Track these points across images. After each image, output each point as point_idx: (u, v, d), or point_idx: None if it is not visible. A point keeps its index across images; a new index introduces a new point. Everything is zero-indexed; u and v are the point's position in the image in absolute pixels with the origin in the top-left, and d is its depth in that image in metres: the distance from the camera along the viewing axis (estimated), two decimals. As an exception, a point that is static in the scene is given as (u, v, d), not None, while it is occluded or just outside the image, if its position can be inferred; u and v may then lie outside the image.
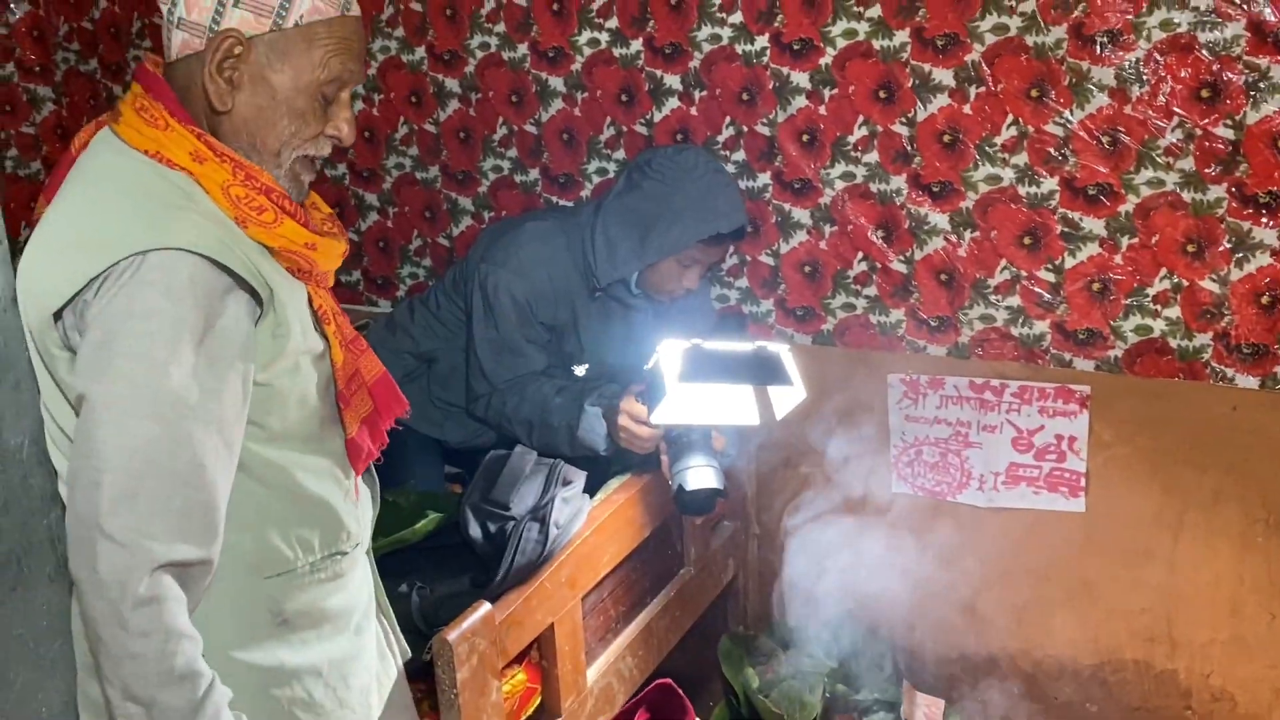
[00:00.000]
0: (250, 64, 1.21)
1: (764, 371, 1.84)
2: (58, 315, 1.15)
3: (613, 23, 2.49)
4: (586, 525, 2.00)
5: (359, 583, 1.40)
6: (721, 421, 1.91)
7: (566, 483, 2.01)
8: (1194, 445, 2.21)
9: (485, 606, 1.71)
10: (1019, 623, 2.45)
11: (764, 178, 2.44)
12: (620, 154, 2.59)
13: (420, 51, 2.71)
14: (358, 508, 1.40)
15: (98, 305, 1.12)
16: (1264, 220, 2.05)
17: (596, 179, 2.64)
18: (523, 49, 2.60)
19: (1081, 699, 2.43)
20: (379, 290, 3.00)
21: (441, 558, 1.90)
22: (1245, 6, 1.95)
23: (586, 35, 2.53)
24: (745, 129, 2.43)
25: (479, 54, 2.65)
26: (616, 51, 2.51)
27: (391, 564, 1.76)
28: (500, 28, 2.60)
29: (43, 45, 3.03)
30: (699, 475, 1.86)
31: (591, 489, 2.08)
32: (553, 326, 2.19)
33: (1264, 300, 2.09)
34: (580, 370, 2.27)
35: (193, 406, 1.11)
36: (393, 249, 2.94)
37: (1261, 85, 1.98)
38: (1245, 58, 1.98)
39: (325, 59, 1.23)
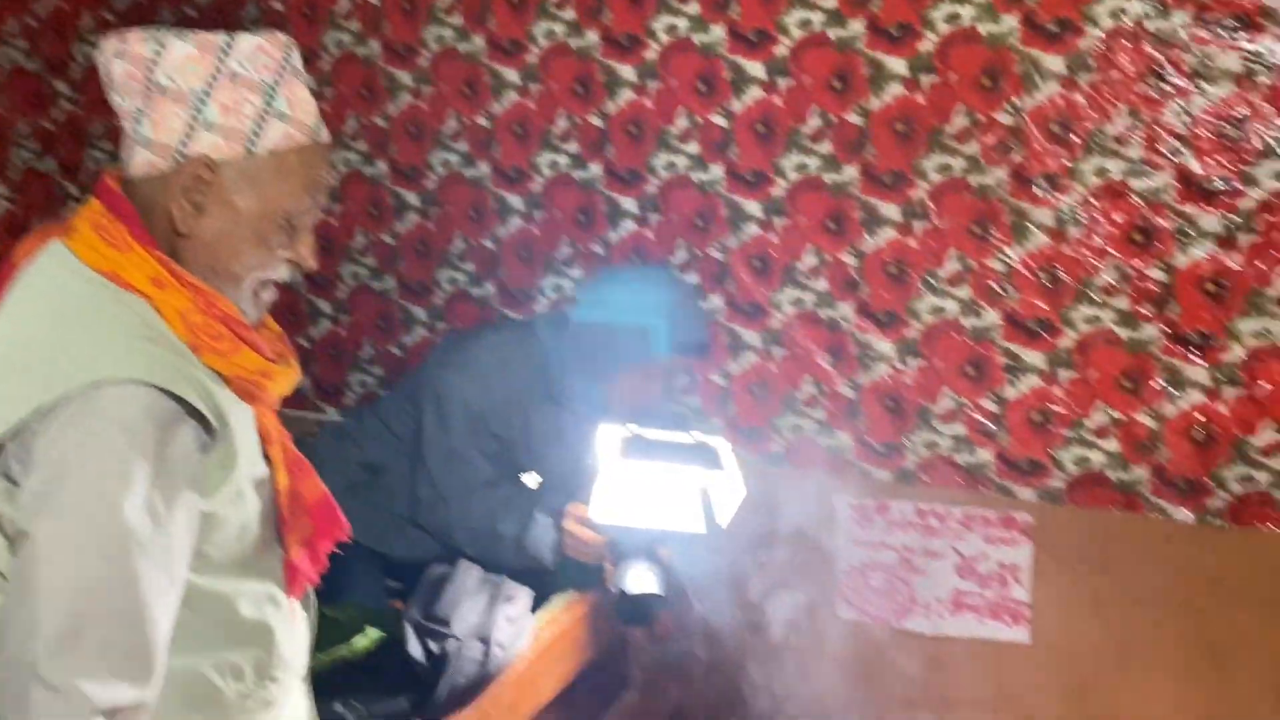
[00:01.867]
0: (217, 189, 1.19)
1: (703, 458, 1.84)
2: None
3: (573, 146, 2.56)
4: (530, 646, 1.95)
5: (292, 709, 1.34)
6: (666, 527, 1.89)
7: (510, 600, 1.97)
8: (1133, 577, 2.24)
9: (423, 729, 1.65)
10: (963, 754, 2.42)
11: (716, 300, 2.49)
12: (576, 271, 2.63)
13: (382, 165, 2.76)
14: (294, 632, 1.35)
15: (47, 437, 1.07)
16: (1194, 359, 2.13)
17: (552, 294, 2.67)
18: (484, 166, 2.65)
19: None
20: (328, 397, 2.97)
21: (380, 676, 1.84)
22: (1174, 158, 2.06)
23: (547, 157, 2.59)
24: (699, 253, 2.49)
25: (440, 169, 2.70)
26: (576, 174, 2.57)
27: (328, 682, 1.70)
28: (463, 145, 2.66)
29: (2, 142, 3.03)
30: (640, 579, 1.82)
31: (535, 606, 2.05)
32: (504, 437, 2.19)
33: (1196, 436, 2.15)
34: (530, 481, 2.26)
35: (142, 543, 1.06)
36: (344, 357, 2.93)
37: (1190, 232, 2.08)
38: (1175, 205, 2.08)
39: (294, 187, 1.22)
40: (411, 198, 2.75)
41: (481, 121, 2.63)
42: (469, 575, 1.98)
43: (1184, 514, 2.19)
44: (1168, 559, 2.21)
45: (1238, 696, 2.20)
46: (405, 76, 2.67)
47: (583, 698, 2.17)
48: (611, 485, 1.81)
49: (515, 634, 1.91)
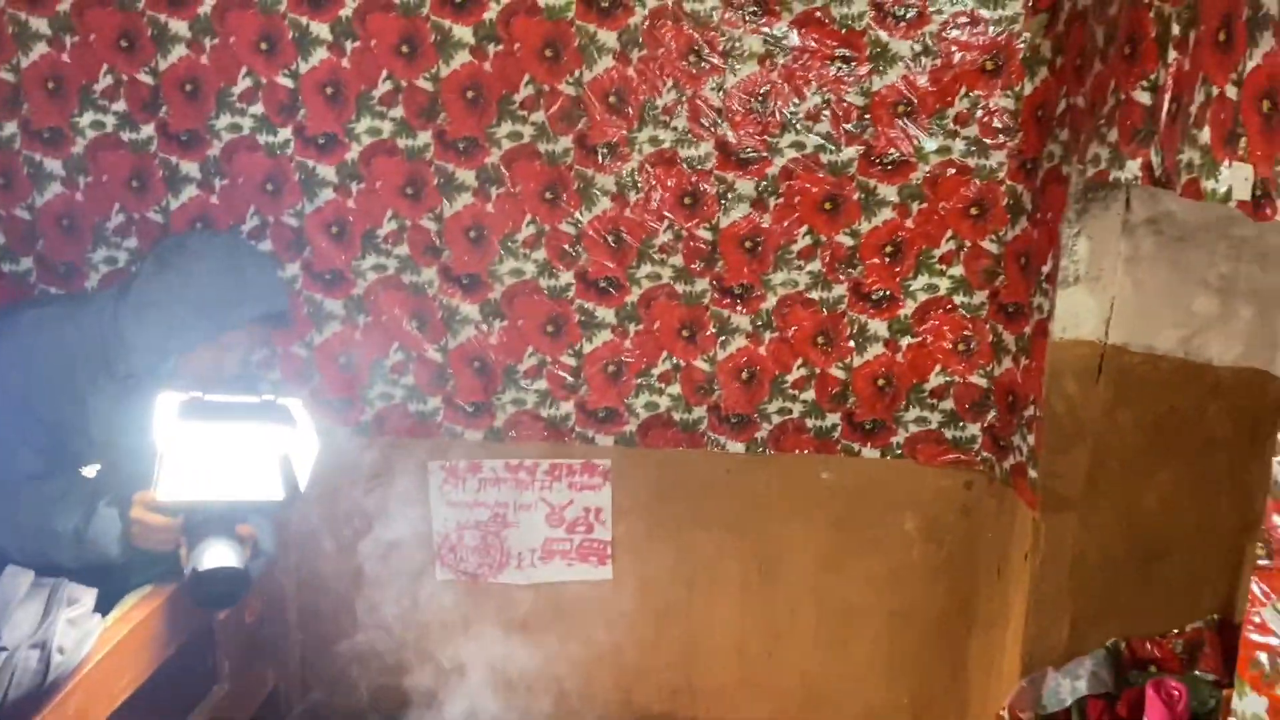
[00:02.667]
0: None
1: (271, 416, 1.77)
2: None
3: (120, 105, 2.34)
4: (98, 648, 1.79)
5: None
6: (241, 497, 1.79)
7: (72, 602, 1.79)
8: (699, 507, 2.49)
9: (-31, 754, 1.46)
10: (560, 694, 2.56)
11: (293, 268, 2.41)
12: (132, 241, 2.42)
13: (-125, 121, 2.35)
14: None
15: None
16: (739, 308, 2.40)
17: (105, 268, 2.44)
18: (10, 126, 2.35)
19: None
20: None
21: (-92, 707, 1.60)
22: (714, 129, 2.30)
23: (89, 117, 2.35)
24: (271, 220, 2.39)
25: (-46, 129, 2.35)
26: (125, 136, 2.36)
27: None
28: (-19, 101, 2.34)
29: None
30: (215, 555, 1.70)
31: (105, 607, 1.87)
32: (55, 424, 1.96)
33: (744, 377, 2.43)
34: (90, 471, 2.05)
35: None
36: None
37: (729, 195, 2.33)
38: (716, 171, 2.32)
39: None
40: (-83, 161, 2.37)
41: (4, 75, 2.33)
42: (18, 581, 1.76)
43: (736, 446, 2.46)
44: (727, 488, 2.48)
45: (783, 600, 2.53)
46: (-101, 18, 2.29)
47: (166, 697, 2.02)
48: (178, 460, 1.68)
49: (80, 637, 1.74)
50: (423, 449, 2.46)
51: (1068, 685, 1.98)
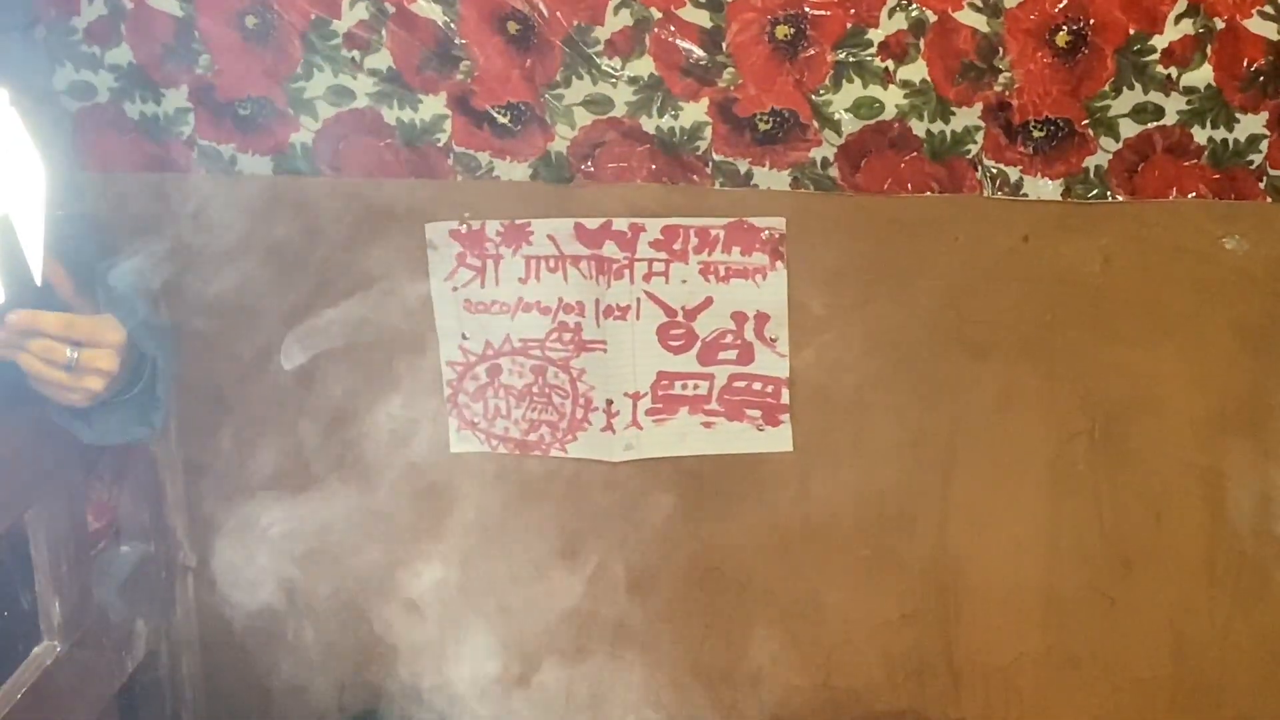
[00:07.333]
0: None
1: None
2: None
3: None
4: None
5: None
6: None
7: None
8: (963, 312, 1.43)
9: None
10: None
11: None
12: None
13: None
14: None
15: None
16: None
17: None
18: None
19: None
20: None
21: None
22: None
23: None
24: None
25: None
26: None
27: None
28: None
29: None
30: None
31: None
32: None
33: (1060, 41, 1.34)
34: None
35: None
36: None
37: None
38: None
39: None
40: None
41: None
42: None
43: (1043, 185, 1.37)
44: (1017, 273, 1.40)
45: (1139, 489, 1.36)
46: None
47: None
48: None
49: None
50: (411, 199, 1.42)
51: None
